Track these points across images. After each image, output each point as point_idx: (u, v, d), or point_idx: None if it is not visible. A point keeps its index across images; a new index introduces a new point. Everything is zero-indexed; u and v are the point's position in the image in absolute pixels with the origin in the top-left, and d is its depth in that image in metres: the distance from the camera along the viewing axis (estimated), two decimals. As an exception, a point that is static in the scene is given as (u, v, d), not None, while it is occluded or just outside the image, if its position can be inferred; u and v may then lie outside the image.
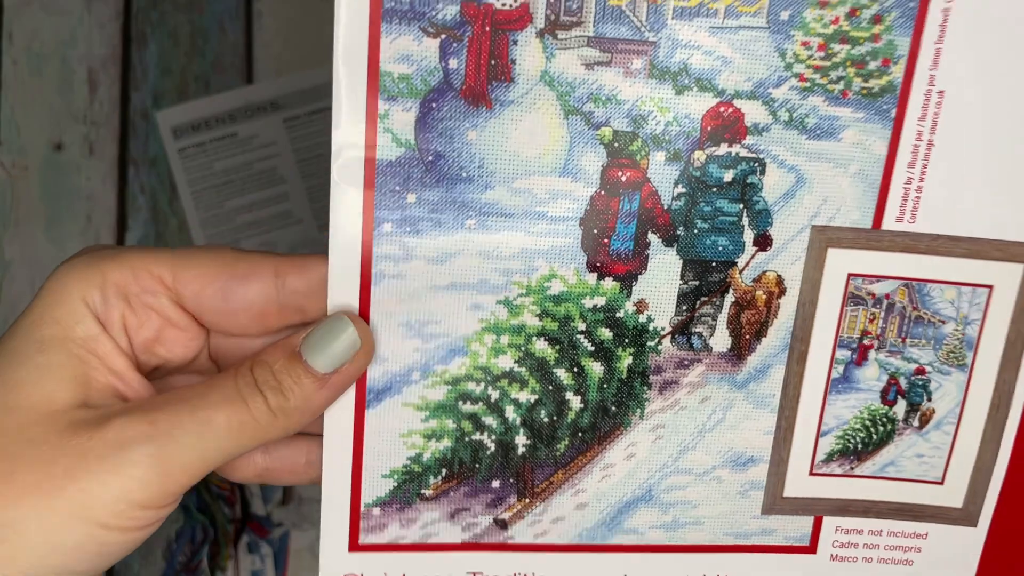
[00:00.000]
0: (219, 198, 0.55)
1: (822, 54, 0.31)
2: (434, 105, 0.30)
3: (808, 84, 0.32)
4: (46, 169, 0.54)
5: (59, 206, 0.54)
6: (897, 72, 0.32)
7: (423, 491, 0.33)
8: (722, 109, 0.31)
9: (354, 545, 0.33)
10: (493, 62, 0.30)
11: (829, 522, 0.37)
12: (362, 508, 0.33)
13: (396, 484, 0.33)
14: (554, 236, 0.32)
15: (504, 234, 0.31)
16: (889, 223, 0.33)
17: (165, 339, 0.31)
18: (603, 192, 0.32)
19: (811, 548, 0.37)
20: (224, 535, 0.51)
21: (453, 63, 0.29)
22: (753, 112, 0.32)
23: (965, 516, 0.37)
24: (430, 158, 0.30)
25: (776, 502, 0.37)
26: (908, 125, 0.32)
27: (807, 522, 0.37)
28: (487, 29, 0.29)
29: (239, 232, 0.56)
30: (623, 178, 0.31)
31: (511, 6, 0.29)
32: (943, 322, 0.35)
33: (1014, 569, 0.38)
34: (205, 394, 0.29)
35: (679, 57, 0.31)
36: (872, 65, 0.32)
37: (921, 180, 0.33)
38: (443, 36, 0.29)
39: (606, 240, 0.32)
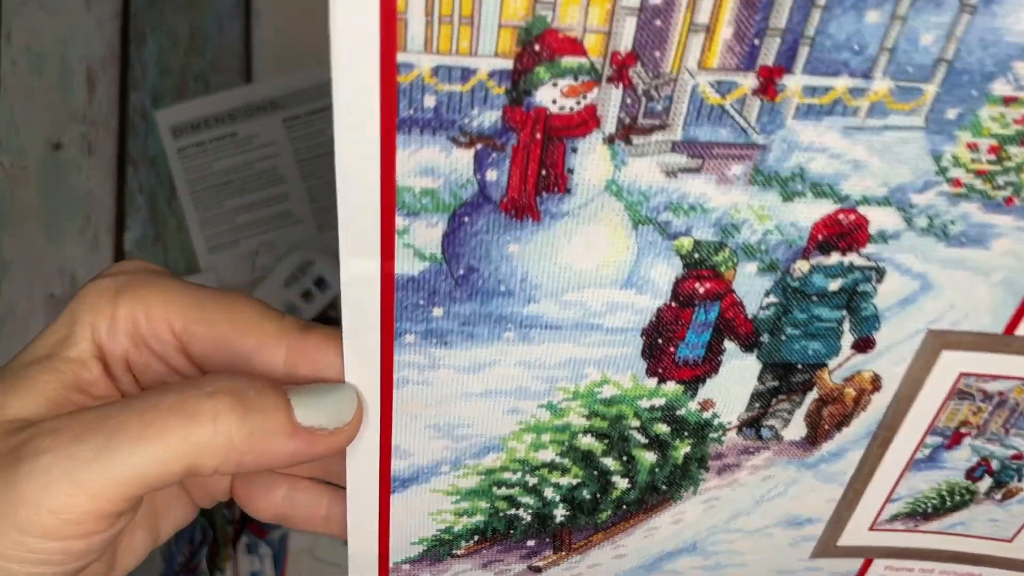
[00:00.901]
0: (218, 198, 0.52)
1: (992, 157, 0.23)
2: (466, 219, 0.23)
3: (963, 190, 0.24)
4: (45, 169, 0.52)
5: (58, 206, 0.51)
6: (1089, 182, 0.24)
7: (455, 551, 0.32)
8: (841, 216, 0.24)
9: None
10: (544, 172, 0.23)
11: (880, 562, 0.35)
12: (391, 565, 0.32)
13: (426, 548, 0.31)
14: (609, 346, 0.26)
15: (548, 345, 0.26)
16: (1026, 333, 0.27)
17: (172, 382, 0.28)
18: (674, 304, 0.26)
19: None
20: (223, 536, 0.50)
21: (491, 175, 0.23)
22: (882, 219, 0.24)
23: (1029, 568, 0.35)
24: (461, 272, 0.24)
25: (828, 550, 0.35)
26: (1086, 237, 0.25)
27: (856, 562, 0.35)
28: (538, 137, 0.22)
29: (239, 232, 0.52)
30: (700, 290, 0.25)
31: (572, 110, 0.22)
32: (1063, 428, 0.30)
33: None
34: (132, 403, 0.24)
35: (794, 161, 0.23)
36: (1058, 171, 0.23)
37: (1084, 295, 0.26)
38: (479, 146, 0.22)
39: (672, 349, 0.27)
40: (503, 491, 0.30)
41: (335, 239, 0.23)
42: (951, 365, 0.28)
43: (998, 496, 0.33)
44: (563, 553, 0.33)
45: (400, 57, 0.20)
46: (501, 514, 0.31)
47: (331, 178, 0.22)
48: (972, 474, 0.32)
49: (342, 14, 0.19)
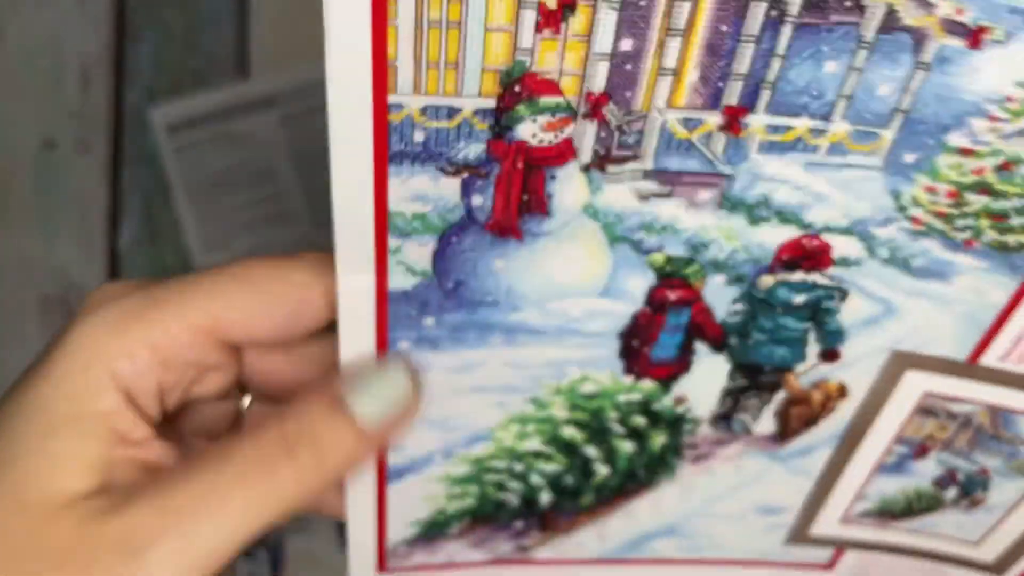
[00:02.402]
0: (214, 196, 0.51)
1: (950, 201, 0.25)
2: (455, 239, 0.25)
3: (923, 228, 0.25)
4: (38, 167, 0.51)
5: (51, 205, 0.51)
6: (1045, 223, 0.25)
7: (448, 532, 0.34)
8: (805, 241, 0.26)
9: (382, 568, 0.35)
10: (526, 197, 0.25)
11: (851, 552, 0.37)
12: (388, 547, 0.34)
13: (421, 530, 0.34)
14: (589, 348, 0.29)
15: (533, 348, 0.28)
16: (990, 360, 0.28)
17: (202, 381, 0.28)
18: (648, 310, 0.28)
19: (830, 566, 0.38)
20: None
21: (477, 200, 0.25)
22: (844, 246, 0.26)
23: (995, 567, 0.37)
24: (450, 285, 0.26)
25: (801, 537, 0.36)
26: (1043, 273, 0.26)
27: (828, 550, 0.37)
28: (519, 166, 0.24)
29: (235, 231, 0.52)
30: (672, 297, 0.27)
31: (550, 143, 0.23)
32: (1023, 443, 0.31)
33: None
34: (222, 468, 0.25)
35: (759, 190, 0.25)
36: (1015, 220, 0.25)
37: (1041, 322, 0.27)
38: (465, 175, 0.24)
39: (646, 349, 0.29)
40: (492, 477, 0.32)
41: (331, 238, 0.25)
42: (916, 383, 0.30)
43: (964, 504, 0.34)
44: (549, 533, 0.35)
45: (391, 99, 0.22)
46: (490, 497, 0.33)
47: (328, 177, 0.24)
48: (939, 483, 0.34)
49: (337, 60, 0.21)
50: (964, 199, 0.24)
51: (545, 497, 0.33)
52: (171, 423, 0.28)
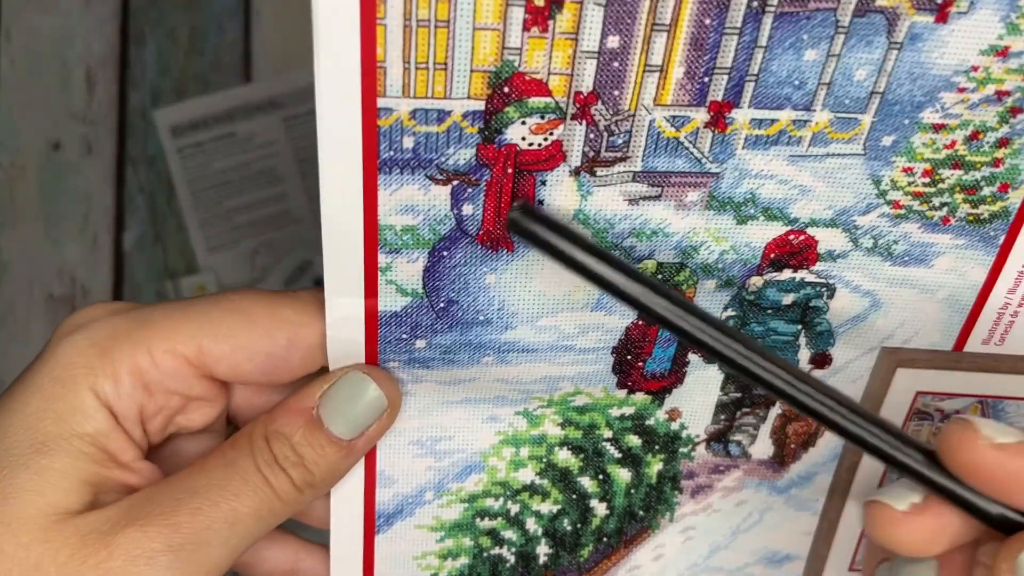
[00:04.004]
0: (218, 198, 0.53)
1: (926, 180, 0.25)
2: (445, 253, 0.25)
3: (903, 211, 0.26)
4: (44, 168, 0.52)
5: (57, 206, 0.52)
6: (1015, 198, 0.26)
7: None
8: (792, 237, 0.26)
9: None
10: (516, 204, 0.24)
11: None
12: None
13: None
14: (582, 364, 0.28)
15: (526, 366, 0.28)
16: (974, 345, 0.29)
17: (187, 412, 0.27)
18: (640, 322, 0.27)
19: None
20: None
21: (467, 209, 0.24)
22: (829, 239, 0.26)
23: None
24: (441, 304, 0.26)
25: None
26: (1017, 251, 0.27)
27: None
28: (509, 171, 0.24)
29: (238, 232, 0.53)
30: (666, 309, 0.27)
31: (540, 145, 0.23)
32: (1012, 433, 0.31)
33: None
34: (224, 483, 0.25)
35: (746, 187, 0.25)
36: (986, 191, 0.26)
37: (1020, 306, 0.28)
38: (455, 182, 0.24)
39: (640, 364, 0.28)
40: (486, 523, 0.31)
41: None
42: (907, 384, 0.30)
43: None
44: (547, 604, 0.33)
45: (380, 102, 0.22)
46: (485, 554, 0.31)
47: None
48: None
49: (325, 63, 0.21)
50: (939, 175, 0.25)
51: (543, 550, 0.32)
52: (155, 452, 0.27)
